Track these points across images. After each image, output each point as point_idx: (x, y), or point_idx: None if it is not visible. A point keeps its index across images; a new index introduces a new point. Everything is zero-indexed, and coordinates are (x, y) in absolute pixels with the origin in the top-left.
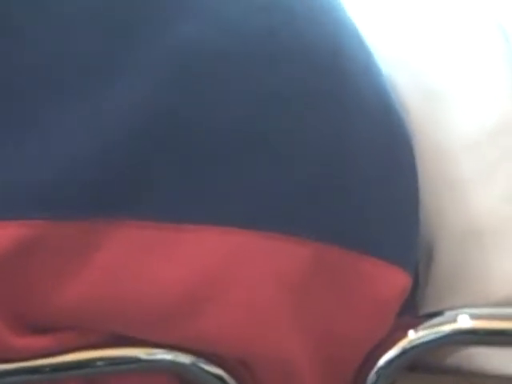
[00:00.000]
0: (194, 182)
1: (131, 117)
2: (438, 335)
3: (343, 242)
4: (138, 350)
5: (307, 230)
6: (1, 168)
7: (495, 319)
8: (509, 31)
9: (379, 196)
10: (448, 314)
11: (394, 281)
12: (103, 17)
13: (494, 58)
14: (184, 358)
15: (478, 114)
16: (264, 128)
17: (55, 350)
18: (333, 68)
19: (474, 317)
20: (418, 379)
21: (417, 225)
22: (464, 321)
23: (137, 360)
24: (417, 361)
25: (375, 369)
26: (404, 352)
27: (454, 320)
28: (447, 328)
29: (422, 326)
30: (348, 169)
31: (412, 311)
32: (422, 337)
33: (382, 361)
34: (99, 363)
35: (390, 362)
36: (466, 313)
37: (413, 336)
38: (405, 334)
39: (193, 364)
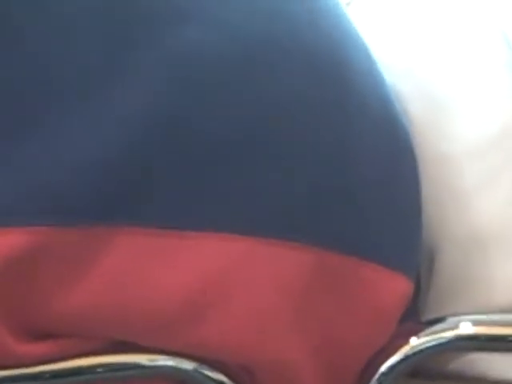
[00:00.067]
0: (195, 189)
1: (132, 123)
2: (440, 341)
3: (344, 248)
4: (140, 356)
5: (308, 236)
6: (3, 175)
7: (497, 325)
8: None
9: (381, 202)
10: (450, 321)
11: (395, 287)
12: (104, 20)
13: (496, 65)
14: (186, 364)
15: (480, 121)
16: (265, 135)
17: (57, 357)
18: (336, 76)
19: (475, 323)
20: None
21: (419, 231)
22: (466, 327)
23: (139, 366)
24: (419, 367)
25: (377, 375)
26: (406, 358)
27: (456, 326)
28: (449, 334)
29: (423, 333)
30: (350, 176)
31: (414, 317)
32: (424, 343)
33: (383, 367)
34: (101, 369)
35: (391, 368)
36: (467, 319)
37: (415, 342)
38: (407, 341)
39: (195, 370)
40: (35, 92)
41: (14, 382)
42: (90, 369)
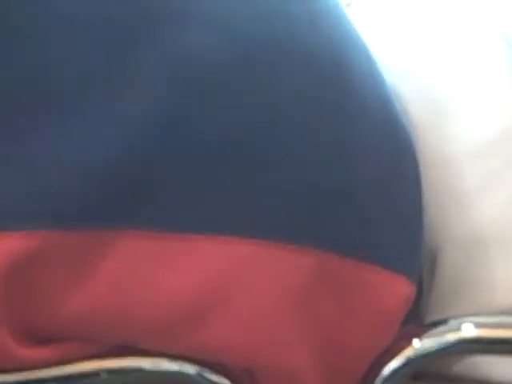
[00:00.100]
0: (196, 191)
1: (133, 124)
2: (442, 344)
3: (346, 251)
4: (142, 359)
5: (310, 238)
6: (4, 179)
7: (500, 328)
8: None
9: (382, 204)
10: (452, 323)
11: (397, 289)
12: (104, 20)
13: (497, 66)
14: (189, 368)
15: (481, 122)
16: (265, 137)
17: (59, 361)
18: (336, 77)
19: (478, 325)
20: None
21: (420, 233)
22: (468, 329)
23: (141, 370)
24: (421, 369)
25: (379, 378)
26: (408, 361)
27: (459, 329)
28: (452, 337)
29: (426, 335)
30: (351, 177)
31: (416, 319)
32: (427, 345)
33: (386, 370)
34: (103, 373)
35: (394, 371)
36: (470, 321)
37: (417, 345)
38: (409, 343)
39: (198, 374)
40: (35, 92)
41: None
42: (93, 373)
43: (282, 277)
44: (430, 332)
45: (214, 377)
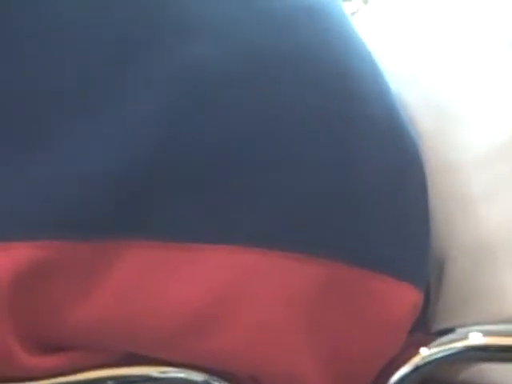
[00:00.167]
0: (203, 203)
1: (140, 139)
2: (450, 352)
3: (354, 260)
4: (150, 368)
5: (317, 248)
6: (13, 189)
7: (507, 336)
8: None
9: (389, 213)
10: (460, 331)
11: (405, 298)
12: (105, 36)
13: (503, 73)
14: (196, 376)
15: (487, 129)
16: (267, 148)
17: (67, 369)
18: (341, 88)
19: (486, 333)
20: None
21: (427, 240)
22: (476, 337)
23: (149, 378)
24: (429, 378)
25: None
26: (416, 369)
27: (466, 337)
28: (459, 345)
29: (434, 343)
30: (358, 187)
31: (424, 327)
32: (434, 354)
33: (394, 378)
34: (111, 382)
35: (402, 379)
36: (477, 329)
37: (425, 353)
38: (417, 351)
39: (205, 382)
40: (47, 104)
41: None
42: (101, 381)
43: (288, 286)
44: (438, 340)
45: None
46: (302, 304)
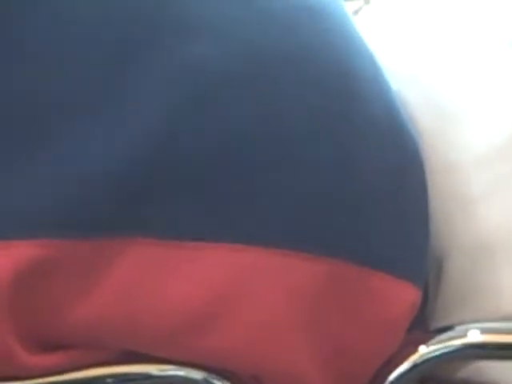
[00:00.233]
0: (203, 201)
1: (140, 138)
2: (448, 350)
3: (353, 258)
4: (149, 366)
5: (317, 246)
6: (13, 189)
7: (505, 333)
8: None
9: (389, 212)
10: (458, 329)
11: (404, 296)
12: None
13: (503, 73)
14: (196, 374)
15: (488, 129)
16: (267, 147)
17: (67, 367)
18: (342, 88)
19: (484, 331)
20: None
21: (426, 239)
22: (474, 335)
23: (148, 376)
24: (427, 375)
25: (386, 383)
26: (415, 367)
27: (465, 334)
28: (458, 342)
29: (432, 341)
30: (358, 186)
31: (422, 325)
32: (433, 351)
33: (393, 375)
34: (111, 380)
35: (400, 377)
36: (476, 327)
37: (423, 351)
38: (415, 349)
39: (205, 380)
40: (47, 104)
41: None
42: (101, 379)
43: (288, 284)
44: (437, 338)
45: (220, 383)
46: (301, 302)
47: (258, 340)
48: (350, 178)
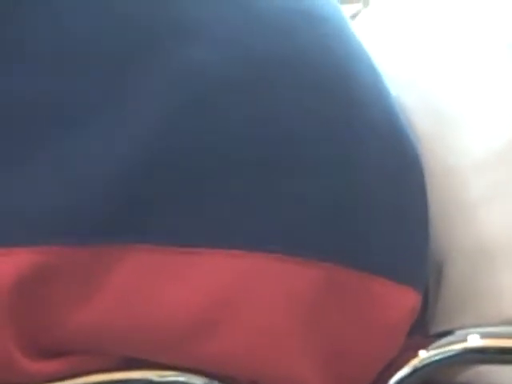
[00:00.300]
0: (202, 207)
1: (140, 139)
2: (448, 354)
3: (352, 263)
4: (150, 372)
5: (316, 251)
6: (13, 194)
7: (506, 338)
8: None
9: (389, 217)
10: (458, 333)
11: (404, 301)
12: (106, 40)
13: (502, 78)
14: (196, 380)
15: (486, 133)
16: (267, 152)
17: (68, 374)
18: (341, 92)
19: (484, 336)
20: None
21: (426, 243)
22: (474, 340)
23: (149, 382)
24: (427, 380)
25: None
26: (415, 371)
27: (465, 339)
28: (458, 347)
29: (432, 346)
30: (357, 191)
31: (422, 330)
32: (433, 356)
33: (393, 380)
34: None
35: (401, 381)
36: (476, 332)
37: (423, 355)
38: (415, 354)
39: None
40: (47, 104)
41: None
42: None
43: (287, 289)
44: (437, 342)
45: None
46: (301, 307)
47: (258, 345)
48: (350, 183)
